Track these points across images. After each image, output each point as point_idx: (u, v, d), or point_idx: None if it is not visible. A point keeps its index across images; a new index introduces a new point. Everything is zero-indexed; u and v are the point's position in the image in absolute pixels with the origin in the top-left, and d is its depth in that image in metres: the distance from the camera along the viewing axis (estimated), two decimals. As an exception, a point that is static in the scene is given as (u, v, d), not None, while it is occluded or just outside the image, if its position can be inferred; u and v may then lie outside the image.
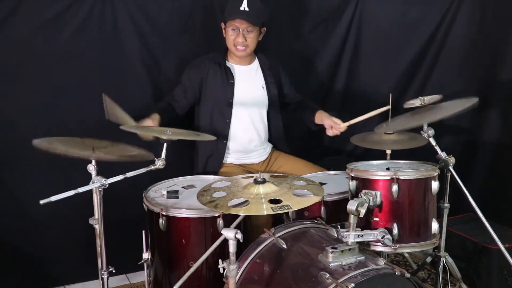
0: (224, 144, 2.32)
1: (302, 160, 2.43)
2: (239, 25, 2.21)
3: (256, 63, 2.41)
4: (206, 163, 2.32)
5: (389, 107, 2.06)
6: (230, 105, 2.30)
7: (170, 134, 1.72)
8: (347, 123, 2.25)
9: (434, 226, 1.71)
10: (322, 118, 2.36)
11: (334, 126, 2.29)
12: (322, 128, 2.37)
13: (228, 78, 2.30)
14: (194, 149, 2.39)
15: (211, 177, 2.16)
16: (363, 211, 1.59)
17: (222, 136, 2.30)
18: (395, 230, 1.66)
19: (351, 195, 1.78)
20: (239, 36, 2.23)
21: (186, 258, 1.81)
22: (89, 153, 1.63)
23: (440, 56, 2.94)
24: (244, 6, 2.18)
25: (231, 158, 2.36)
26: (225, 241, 1.39)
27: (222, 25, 2.30)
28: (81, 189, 1.52)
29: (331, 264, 1.45)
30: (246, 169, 2.38)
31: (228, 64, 2.35)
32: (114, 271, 1.71)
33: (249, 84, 2.36)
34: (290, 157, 2.47)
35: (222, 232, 1.39)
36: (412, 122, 1.81)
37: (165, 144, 1.72)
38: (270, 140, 2.50)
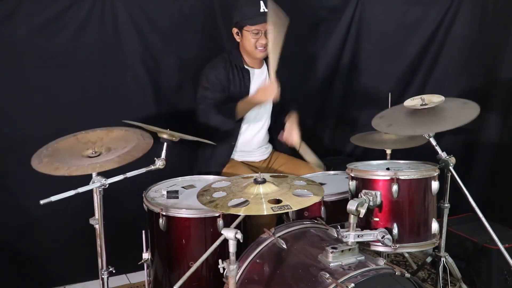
0: (233, 145, 2.32)
1: (302, 161, 2.43)
2: (261, 28, 2.18)
3: (264, 65, 2.40)
4: (211, 163, 2.32)
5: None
6: None
7: (169, 132, 1.73)
8: (300, 145, 2.26)
9: (434, 226, 1.72)
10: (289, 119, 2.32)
11: (287, 135, 2.26)
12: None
13: (245, 80, 2.29)
14: (200, 148, 2.38)
15: (211, 177, 2.16)
16: (363, 211, 1.59)
17: (232, 137, 2.30)
18: (395, 230, 1.66)
19: (351, 195, 1.78)
20: (262, 38, 2.20)
21: (186, 258, 1.81)
22: (89, 167, 1.60)
23: (440, 56, 2.94)
24: (263, 7, 2.15)
25: (234, 155, 2.37)
26: (225, 241, 1.39)
27: (234, 30, 2.26)
28: (81, 189, 1.52)
29: (331, 264, 1.45)
30: (248, 165, 2.39)
31: (246, 66, 2.33)
32: (114, 271, 1.71)
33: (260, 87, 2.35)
34: (291, 157, 2.47)
35: (222, 232, 1.39)
36: (414, 129, 1.80)
37: (165, 144, 1.72)
38: (270, 141, 2.51)
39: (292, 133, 2.28)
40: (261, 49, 2.24)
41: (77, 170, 1.57)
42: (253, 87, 2.31)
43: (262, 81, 2.36)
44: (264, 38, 2.19)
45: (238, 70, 2.29)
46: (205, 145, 2.33)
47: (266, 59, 2.38)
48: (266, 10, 2.13)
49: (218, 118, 2.22)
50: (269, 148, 2.50)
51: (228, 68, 2.27)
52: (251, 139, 2.38)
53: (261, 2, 2.15)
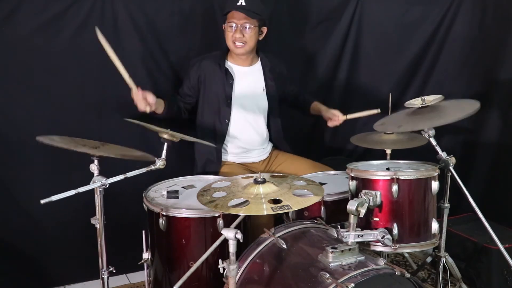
0: (221, 146, 2.32)
1: (302, 158, 2.43)
2: (236, 20, 2.20)
3: (258, 64, 2.40)
4: (206, 163, 2.32)
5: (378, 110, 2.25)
6: (229, 105, 2.30)
7: (170, 133, 1.73)
8: (346, 117, 2.36)
9: (434, 226, 1.72)
10: (320, 110, 2.46)
11: (333, 118, 2.38)
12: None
13: (227, 78, 2.30)
14: (194, 150, 2.39)
15: (211, 177, 2.15)
16: (363, 211, 1.59)
17: (221, 136, 2.30)
18: (395, 230, 1.66)
19: (351, 195, 1.78)
20: (237, 32, 2.21)
21: (186, 258, 1.81)
22: (92, 151, 1.63)
23: (440, 56, 2.94)
24: (241, 1, 2.17)
25: (231, 156, 2.37)
26: (225, 241, 1.39)
27: (224, 27, 2.29)
28: (81, 189, 1.52)
29: (331, 264, 1.45)
30: (247, 167, 2.38)
31: (229, 64, 2.34)
32: (114, 271, 1.71)
33: (249, 85, 2.36)
34: (290, 155, 2.47)
35: (222, 232, 1.39)
36: (413, 125, 1.80)
37: (165, 144, 1.72)
38: (270, 140, 2.50)
39: (334, 118, 2.38)
40: (239, 45, 2.24)
41: (82, 149, 1.64)
42: (239, 85, 2.32)
43: (253, 79, 2.37)
44: (239, 32, 2.21)
45: (220, 68, 2.30)
46: (198, 147, 2.34)
47: (261, 57, 2.39)
48: (244, 3, 2.16)
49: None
50: (268, 147, 2.48)
51: (207, 66, 2.30)
52: (244, 139, 2.36)
53: None
